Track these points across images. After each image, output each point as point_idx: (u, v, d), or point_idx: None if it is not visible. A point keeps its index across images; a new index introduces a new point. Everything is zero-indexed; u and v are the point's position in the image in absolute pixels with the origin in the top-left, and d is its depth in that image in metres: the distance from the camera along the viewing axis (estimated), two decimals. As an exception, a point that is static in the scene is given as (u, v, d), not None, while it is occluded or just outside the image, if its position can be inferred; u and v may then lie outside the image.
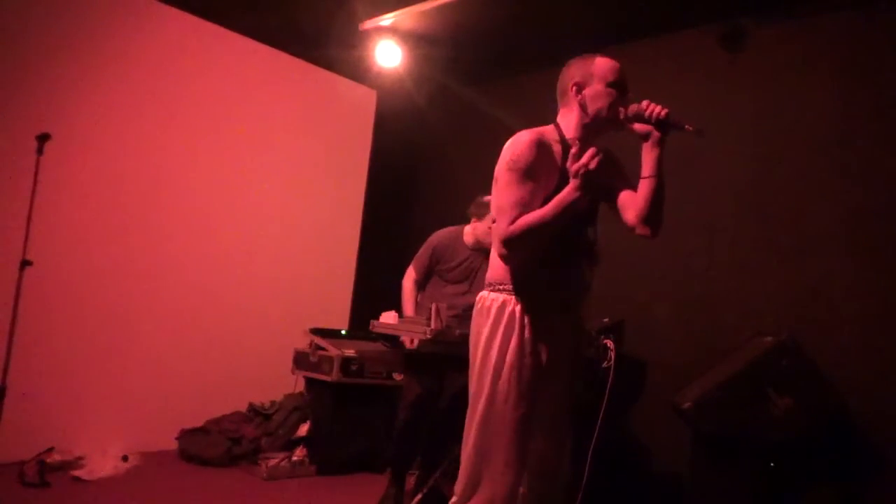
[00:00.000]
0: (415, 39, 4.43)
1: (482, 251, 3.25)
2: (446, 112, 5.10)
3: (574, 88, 1.93)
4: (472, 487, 1.83)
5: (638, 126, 1.87)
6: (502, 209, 1.82)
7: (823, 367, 2.84)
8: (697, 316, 3.56)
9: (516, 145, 1.85)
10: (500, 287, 1.89)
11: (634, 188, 1.95)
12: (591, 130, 1.93)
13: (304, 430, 3.98)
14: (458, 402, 3.14)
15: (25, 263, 3.11)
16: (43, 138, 3.19)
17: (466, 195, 3.42)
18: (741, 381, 2.77)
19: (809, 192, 3.32)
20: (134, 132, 3.97)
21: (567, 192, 1.75)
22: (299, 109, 4.78)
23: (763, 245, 3.42)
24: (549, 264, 1.87)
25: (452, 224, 3.47)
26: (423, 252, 3.42)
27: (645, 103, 1.85)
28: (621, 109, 1.89)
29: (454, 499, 1.88)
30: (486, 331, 1.86)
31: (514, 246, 1.80)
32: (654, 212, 1.90)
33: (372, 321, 3.18)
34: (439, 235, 3.44)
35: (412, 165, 5.38)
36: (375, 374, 3.95)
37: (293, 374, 4.15)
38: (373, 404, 3.96)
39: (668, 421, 2.96)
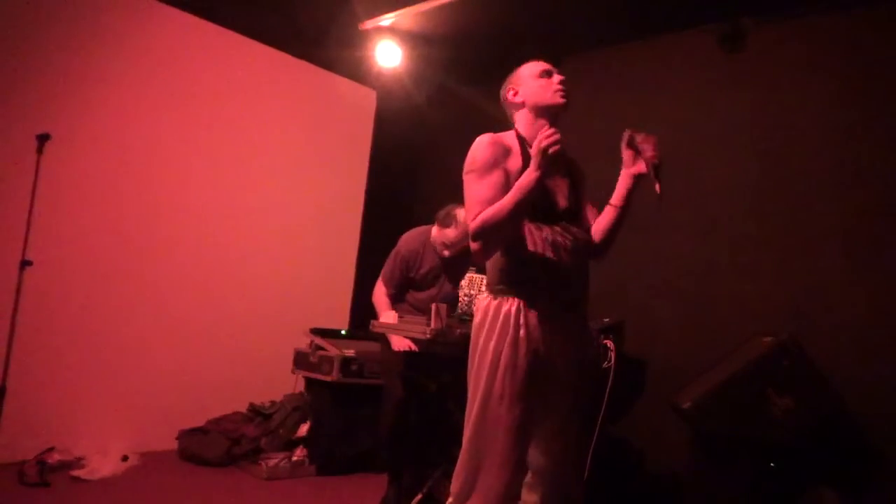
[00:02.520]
0: (415, 39, 4.44)
1: (443, 257, 3.22)
2: (446, 112, 5.10)
3: (510, 93, 2.07)
4: (469, 488, 1.83)
5: (627, 153, 1.99)
6: (468, 210, 1.88)
7: (823, 367, 2.84)
8: (697, 316, 3.56)
9: (474, 147, 1.93)
10: (496, 288, 1.91)
11: (592, 203, 2.09)
12: (543, 118, 2.00)
13: (304, 430, 3.98)
14: (455, 403, 3.16)
15: (25, 263, 3.12)
16: (43, 138, 3.19)
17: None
18: (741, 381, 2.77)
19: (809, 192, 3.32)
20: (134, 132, 3.97)
21: (525, 176, 1.79)
22: (299, 109, 4.78)
23: (763, 245, 3.42)
24: (542, 264, 1.88)
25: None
26: (394, 266, 3.26)
27: (651, 142, 1.94)
28: (627, 132, 1.98)
29: (450, 499, 1.88)
30: (482, 331, 1.87)
31: (482, 239, 1.83)
32: (612, 239, 2.05)
33: (372, 321, 3.18)
34: (407, 243, 3.30)
35: (412, 165, 5.38)
36: (375, 374, 3.94)
37: (293, 374, 4.15)
38: (373, 404, 3.95)
39: (668, 421, 2.96)
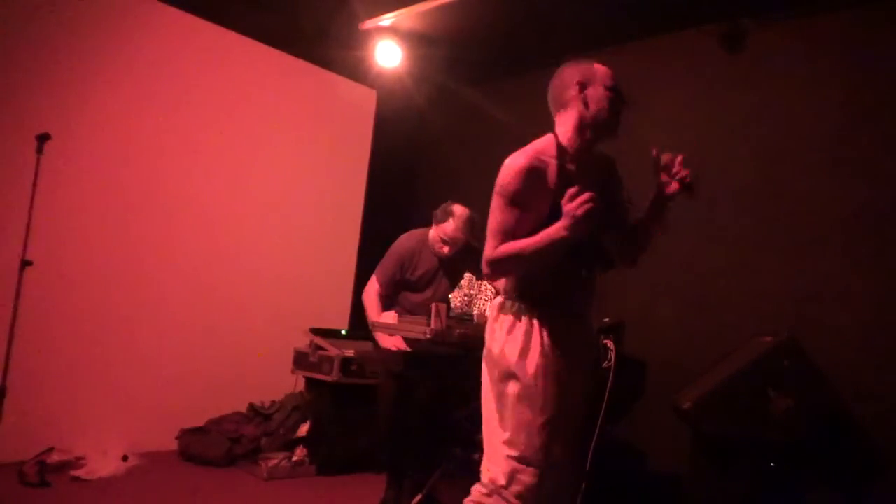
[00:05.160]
0: (415, 39, 4.43)
1: (442, 255, 3.22)
2: (446, 112, 5.10)
3: (578, 87, 1.93)
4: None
5: (663, 176, 1.95)
6: (489, 233, 1.85)
7: (823, 367, 2.84)
8: (697, 316, 3.56)
9: (507, 170, 1.85)
10: (515, 294, 1.91)
11: (627, 211, 2.07)
12: (590, 135, 1.94)
13: (304, 430, 3.98)
14: (453, 403, 3.16)
15: (25, 263, 3.11)
16: (43, 138, 3.19)
17: (466, 195, 3.42)
18: (741, 382, 2.77)
19: (809, 192, 3.32)
20: (134, 132, 3.97)
21: (555, 230, 1.74)
22: (299, 109, 4.78)
23: (763, 245, 3.42)
24: (561, 272, 1.88)
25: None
26: (390, 263, 3.25)
27: (679, 160, 1.92)
28: (654, 151, 1.94)
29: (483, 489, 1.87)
30: (500, 337, 1.88)
31: (496, 271, 1.85)
32: (644, 249, 2.09)
33: (372, 321, 3.18)
34: (403, 243, 3.29)
35: (412, 165, 5.38)
36: (375, 374, 3.94)
37: (293, 374, 4.15)
38: (373, 404, 3.95)
39: (668, 421, 2.96)
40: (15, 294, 3.09)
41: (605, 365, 2.85)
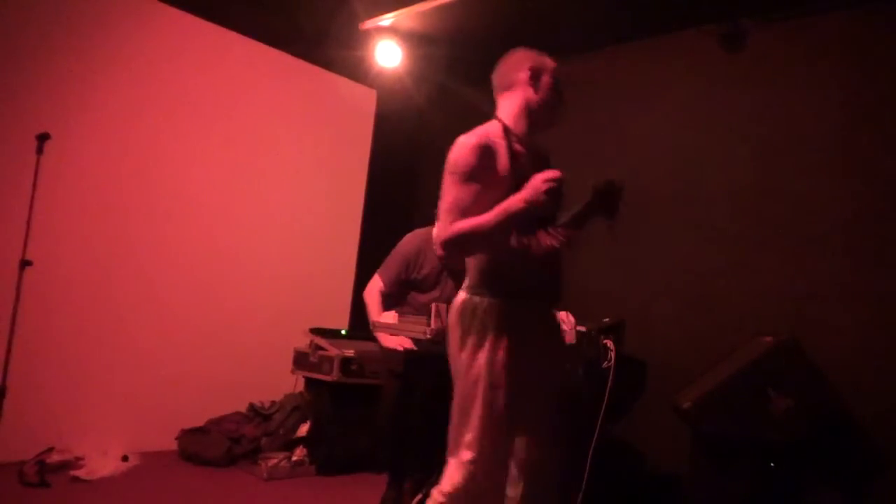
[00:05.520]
0: (415, 39, 4.43)
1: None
2: (446, 112, 5.10)
3: (530, 71, 1.95)
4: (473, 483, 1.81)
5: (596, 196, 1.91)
6: (441, 212, 1.83)
7: (823, 367, 2.84)
8: (697, 316, 3.56)
9: (459, 148, 1.85)
10: (474, 288, 1.90)
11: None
12: (533, 119, 1.96)
13: (304, 430, 3.98)
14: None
15: (25, 263, 3.11)
16: (43, 138, 3.19)
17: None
18: (741, 381, 2.77)
19: (809, 192, 3.32)
20: (134, 132, 3.97)
21: (513, 201, 1.75)
22: (299, 109, 4.78)
23: (763, 245, 3.42)
24: (521, 261, 1.87)
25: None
26: (394, 262, 3.24)
27: (614, 184, 1.89)
28: (596, 181, 1.91)
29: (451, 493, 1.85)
30: (459, 331, 1.87)
31: (451, 249, 1.82)
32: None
33: (373, 321, 3.17)
34: (407, 243, 3.29)
35: (412, 165, 5.38)
36: (375, 373, 3.94)
37: (293, 374, 4.15)
38: (373, 404, 3.96)
39: (668, 421, 2.96)
40: (15, 294, 3.09)
41: (605, 365, 2.86)
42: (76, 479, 3.29)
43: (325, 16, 4.19)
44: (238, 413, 4.16)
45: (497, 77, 2.02)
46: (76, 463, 3.41)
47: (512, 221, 1.76)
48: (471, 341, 1.84)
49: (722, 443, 2.77)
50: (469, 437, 1.80)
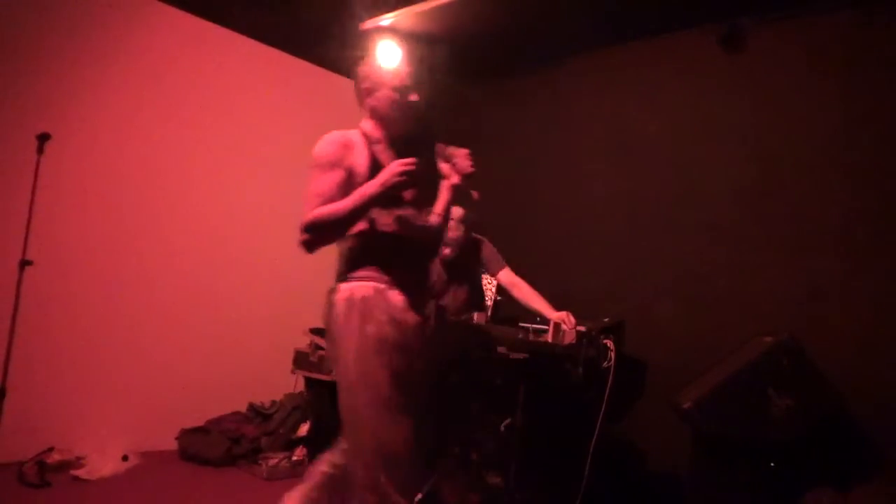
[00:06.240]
0: (415, 39, 4.43)
1: (447, 258, 3.24)
2: (446, 112, 5.10)
3: (366, 90, 2.11)
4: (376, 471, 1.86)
5: (444, 165, 2.10)
6: (304, 202, 1.92)
7: (823, 367, 2.84)
8: (697, 316, 3.56)
9: (320, 143, 1.97)
10: (348, 276, 1.98)
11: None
12: (384, 129, 2.09)
13: (304, 429, 3.98)
14: (454, 403, 3.16)
15: (25, 263, 3.11)
16: (43, 138, 3.19)
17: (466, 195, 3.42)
18: (741, 381, 2.77)
19: (809, 192, 3.32)
20: (134, 132, 3.97)
21: (371, 184, 1.85)
22: (299, 109, 4.78)
23: (763, 245, 3.42)
24: (391, 247, 1.95)
25: None
26: None
27: (462, 154, 2.08)
28: (439, 146, 2.12)
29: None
30: (339, 318, 1.92)
31: (312, 234, 1.89)
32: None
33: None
34: None
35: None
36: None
37: (293, 374, 4.14)
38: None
39: (668, 421, 2.96)
40: (15, 294, 3.09)
41: (605, 365, 2.86)
42: (76, 478, 3.29)
43: (325, 16, 4.19)
44: (238, 413, 4.16)
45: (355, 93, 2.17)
46: (76, 463, 3.42)
47: (367, 204, 1.85)
48: (345, 327, 1.90)
49: (722, 443, 2.77)
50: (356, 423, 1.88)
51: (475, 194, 2.09)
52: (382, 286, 1.92)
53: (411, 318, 1.95)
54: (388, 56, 2.15)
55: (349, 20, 4.24)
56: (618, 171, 3.95)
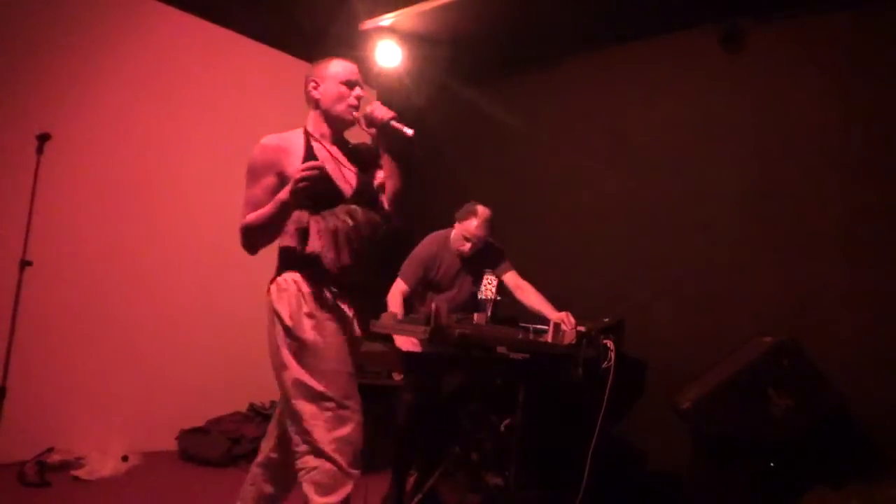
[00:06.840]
0: (415, 39, 4.43)
1: (464, 253, 3.27)
2: (446, 112, 5.10)
3: (311, 85, 2.15)
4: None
5: (370, 131, 2.10)
6: (241, 210, 2.01)
7: (823, 367, 2.84)
8: (697, 316, 3.56)
9: (255, 148, 2.06)
10: (281, 272, 2.02)
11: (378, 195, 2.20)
12: (331, 125, 2.15)
13: (304, 430, 3.97)
14: (456, 403, 3.16)
15: (25, 263, 3.11)
16: (43, 138, 3.19)
17: (466, 195, 3.43)
18: (741, 381, 2.77)
19: (809, 193, 3.32)
20: (134, 132, 3.97)
21: (283, 193, 1.90)
22: (300, 110, 4.76)
23: (763, 245, 3.42)
24: (323, 252, 1.98)
25: (450, 225, 3.45)
26: (413, 265, 3.32)
27: (370, 109, 2.07)
28: (355, 114, 2.13)
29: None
30: (274, 315, 1.97)
31: (244, 239, 1.98)
32: (398, 207, 2.19)
33: (372, 321, 3.17)
34: (424, 245, 3.36)
35: (412, 165, 5.37)
36: (376, 373, 3.94)
37: (293, 374, 4.14)
38: (373, 404, 3.94)
39: (668, 421, 2.96)
40: (15, 294, 3.09)
41: (604, 365, 2.86)
42: (76, 479, 3.29)
43: (325, 16, 4.19)
44: (238, 413, 4.16)
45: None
46: (76, 463, 3.42)
47: (283, 209, 1.91)
48: (278, 323, 1.95)
49: (722, 443, 2.77)
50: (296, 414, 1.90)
51: (409, 132, 2.06)
52: (309, 284, 1.99)
53: (334, 315, 2.00)
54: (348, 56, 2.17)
55: (349, 20, 4.25)
56: (618, 171, 3.95)
